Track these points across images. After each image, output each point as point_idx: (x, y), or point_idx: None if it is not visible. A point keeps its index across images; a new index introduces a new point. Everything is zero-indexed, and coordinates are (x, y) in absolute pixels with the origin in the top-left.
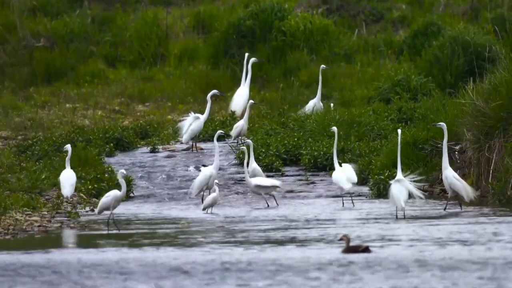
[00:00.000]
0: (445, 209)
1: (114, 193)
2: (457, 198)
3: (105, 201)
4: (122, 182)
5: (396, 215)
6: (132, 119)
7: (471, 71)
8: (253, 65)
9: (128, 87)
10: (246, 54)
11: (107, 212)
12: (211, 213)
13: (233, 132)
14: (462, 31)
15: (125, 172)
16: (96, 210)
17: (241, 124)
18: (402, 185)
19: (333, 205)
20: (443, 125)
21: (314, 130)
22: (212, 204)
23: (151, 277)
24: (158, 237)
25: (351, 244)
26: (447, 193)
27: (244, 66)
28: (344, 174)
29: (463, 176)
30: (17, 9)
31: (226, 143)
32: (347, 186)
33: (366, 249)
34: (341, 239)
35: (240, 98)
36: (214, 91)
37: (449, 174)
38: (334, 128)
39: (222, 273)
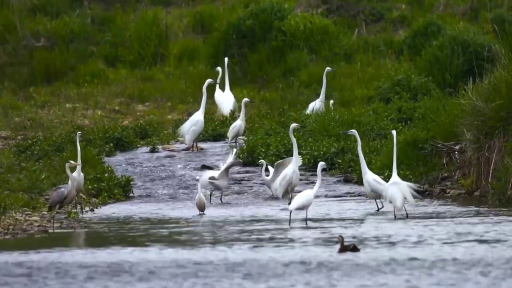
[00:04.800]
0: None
1: (309, 193)
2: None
3: (307, 200)
4: (319, 175)
5: (395, 215)
6: (132, 119)
7: (470, 71)
8: (253, 64)
9: (128, 87)
10: (226, 59)
11: (106, 212)
12: (201, 214)
13: (230, 133)
14: (462, 31)
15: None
16: (292, 207)
17: (238, 124)
18: (398, 187)
19: (333, 205)
20: (354, 132)
21: (314, 130)
22: (201, 205)
23: (152, 277)
24: (158, 237)
25: (344, 243)
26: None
27: (226, 70)
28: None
29: (463, 176)
30: (17, 9)
31: (225, 143)
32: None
33: (354, 248)
34: (338, 241)
35: (229, 101)
36: (209, 80)
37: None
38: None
39: (221, 272)
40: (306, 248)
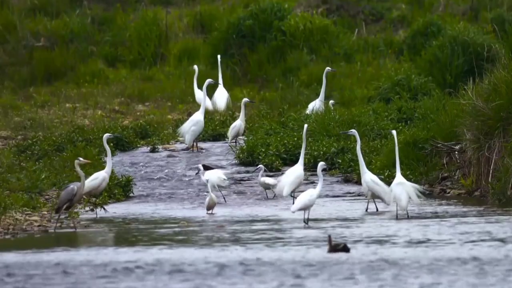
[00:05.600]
0: (366, 210)
1: (312, 193)
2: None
3: (309, 200)
4: (320, 176)
5: (397, 215)
6: (132, 119)
7: (470, 71)
8: (253, 64)
9: (128, 87)
10: (218, 56)
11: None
12: (212, 213)
13: (230, 133)
14: (462, 31)
15: None
16: (295, 208)
17: (238, 124)
18: (403, 187)
19: (333, 205)
20: (354, 132)
21: (314, 130)
22: (211, 205)
23: (152, 276)
24: (158, 237)
25: (335, 243)
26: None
27: (219, 68)
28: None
29: (463, 176)
30: (17, 9)
31: (225, 143)
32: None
33: (344, 248)
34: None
35: (223, 96)
36: (209, 80)
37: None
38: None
39: (220, 272)
40: (304, 248)
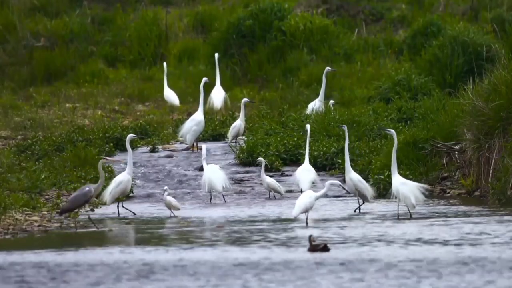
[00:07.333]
0: (356, 210)
1: (311, 195)
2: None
3: (309, 203)
4: (327, 186)
5: (398, 215)
6: (132, 119)
7: (471, 71)
8: (253, 64)
9: (128, 87)
10: (216, 54)
11: (101, 212)
12: (174, 216)
13: (230, 133)
14: (462, 31)
15: None
16: (296, 212)
17: (238, 124)
18: (408, 186)
19: (333, 204)
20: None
21: (314, 130)
22: (169, 207)
23: (152, 276)
24: (158, 236)
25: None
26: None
27: (216, 66)
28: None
29: (463, 176)
30: (17, 9)
31: (225, 143)
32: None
33: (325, 248)
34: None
35: (220, 94)
36: (205, 78)
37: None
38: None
39: (220, 272)
40: (301, 248)
